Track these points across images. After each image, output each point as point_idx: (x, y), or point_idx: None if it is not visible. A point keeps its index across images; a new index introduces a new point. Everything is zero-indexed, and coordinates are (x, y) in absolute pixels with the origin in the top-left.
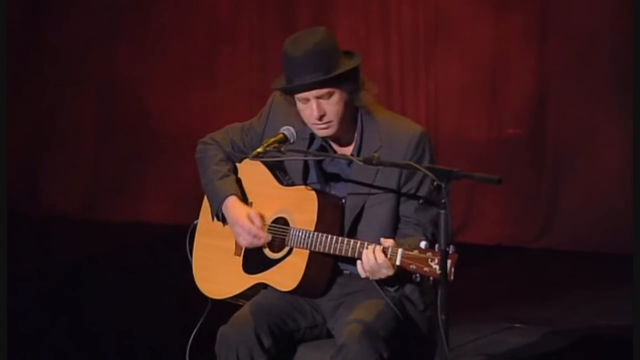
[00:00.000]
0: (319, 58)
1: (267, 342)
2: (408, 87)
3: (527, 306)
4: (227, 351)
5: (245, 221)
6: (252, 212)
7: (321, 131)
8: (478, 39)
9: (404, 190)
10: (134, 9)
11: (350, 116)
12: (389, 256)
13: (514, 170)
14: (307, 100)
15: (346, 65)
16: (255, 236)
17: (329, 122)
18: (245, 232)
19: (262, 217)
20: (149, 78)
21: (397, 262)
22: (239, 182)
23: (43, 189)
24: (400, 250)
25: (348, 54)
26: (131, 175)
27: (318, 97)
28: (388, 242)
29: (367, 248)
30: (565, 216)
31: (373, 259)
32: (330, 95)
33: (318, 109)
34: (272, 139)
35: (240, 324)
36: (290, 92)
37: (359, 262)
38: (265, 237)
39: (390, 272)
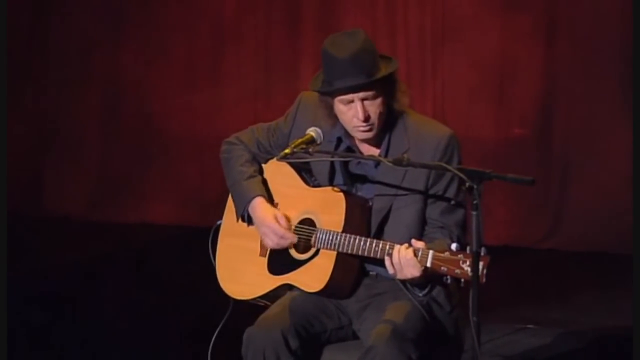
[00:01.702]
0: (364, 60)
1: (294, 343)
2: (414, 88)
3: (537, 307)
4: (253, 352)
5: (272, 222)
6: (278, 213)
7: (362, 133)
8: (485, 39)
9: (431, 192)
10: (137, 9)
11: (387, 115)
12: (419, 258)
13: (521, 170)
14: (351, 101)
15: (387, 68)
16: (282, 237)
17: (372, 124)
18: (272, 233)
19: (288, 218)
20: (153, 79)
21: (428, 264)
22: (264, 182)
23: (47, 190)
24: (431, 252)
25: (384, 57)
26: (135, 176)
27: (363, 99)
28: (419, 244)
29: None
30: (573, 217)
31: (403, 255)
32: (375, 97)
33: (364, 111)
34: (300, 140)
35: (267, 326)
36: (334, 93)
37: (387, 257)
38: (291, 237)
39: (417, 273)
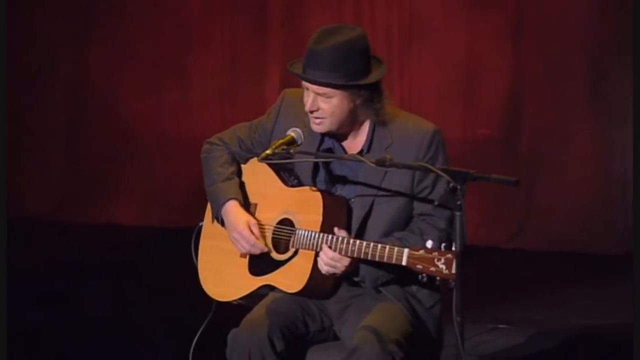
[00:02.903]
0: (329, 58)
1: (279, 345)
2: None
3: (506, 307)
4: (239, 354)
5: (244, 229)
6: (251, 219)
7: (314, 125)
8: (452, 39)
9: (418, 188)
10: (104, 9)
11: (359, 118)
12: (394, 256)
13: (489, 170)
14: (307, 89)
15: (359, 78)
16: (253, 245)
17: (322, 118)
18: (243, 240)
19: (262, 222)
20: (120, 79)
21: (404, 263)
22: (242, 183)
23: (13, 190)
24: (406, 250)
25: (378, 61)
26: (103, 177)
27: (316, 93)
28: (341, 233)
29: (370, 247)
30: (540, 217)
31: (331, 257)
32: (328, 97)
33: (312, 103)
34: (280, 141)
35: (252, 327)
36: (296, 75)
37: (318, 259)
38: (262, 247)
39: (346, 263)
